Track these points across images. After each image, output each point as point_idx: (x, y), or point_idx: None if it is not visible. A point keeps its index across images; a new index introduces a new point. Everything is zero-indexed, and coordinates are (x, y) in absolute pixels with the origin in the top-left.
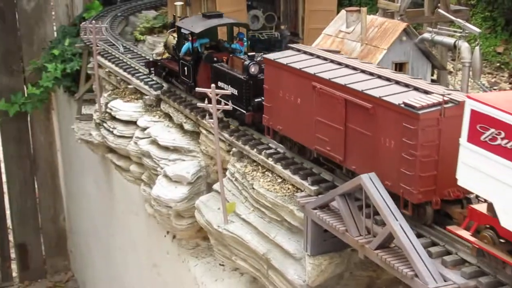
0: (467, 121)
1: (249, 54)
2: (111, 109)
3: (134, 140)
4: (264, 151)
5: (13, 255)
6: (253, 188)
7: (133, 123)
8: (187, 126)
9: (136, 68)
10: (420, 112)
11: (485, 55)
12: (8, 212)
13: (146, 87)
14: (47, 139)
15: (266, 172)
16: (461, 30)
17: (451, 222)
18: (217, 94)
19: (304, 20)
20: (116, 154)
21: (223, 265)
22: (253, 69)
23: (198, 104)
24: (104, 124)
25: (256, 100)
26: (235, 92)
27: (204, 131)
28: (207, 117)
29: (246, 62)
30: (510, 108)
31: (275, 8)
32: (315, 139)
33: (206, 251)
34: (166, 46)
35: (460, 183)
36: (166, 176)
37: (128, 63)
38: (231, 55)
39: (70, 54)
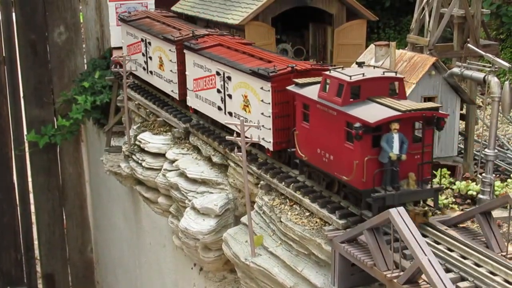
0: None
1: None
2: (140, 142)
3: (163, 173)
4: (292, 184)
5: (40, 286)
6: (281, 221)
7: (161, 155)
8: (216, 159)
9: (166, 101)
10: None
11: None
12: (36, 242)
13: (175, 119)
14: (76, 171)
15: (294, 206)
16: (491, 65)
17: None
18: None
19: (333, 54)
20: (144, 186)
21: None
22: None
23: (226, 137)
24: (133, 156)
25: None
26: None
27: (232, 164)
28: (235, 150)
29: None
30: None
31: (304, 41)
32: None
33: (233, 284)
34: None
35: None
36: (194, 208)
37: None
38: None
39: (100, 87)
